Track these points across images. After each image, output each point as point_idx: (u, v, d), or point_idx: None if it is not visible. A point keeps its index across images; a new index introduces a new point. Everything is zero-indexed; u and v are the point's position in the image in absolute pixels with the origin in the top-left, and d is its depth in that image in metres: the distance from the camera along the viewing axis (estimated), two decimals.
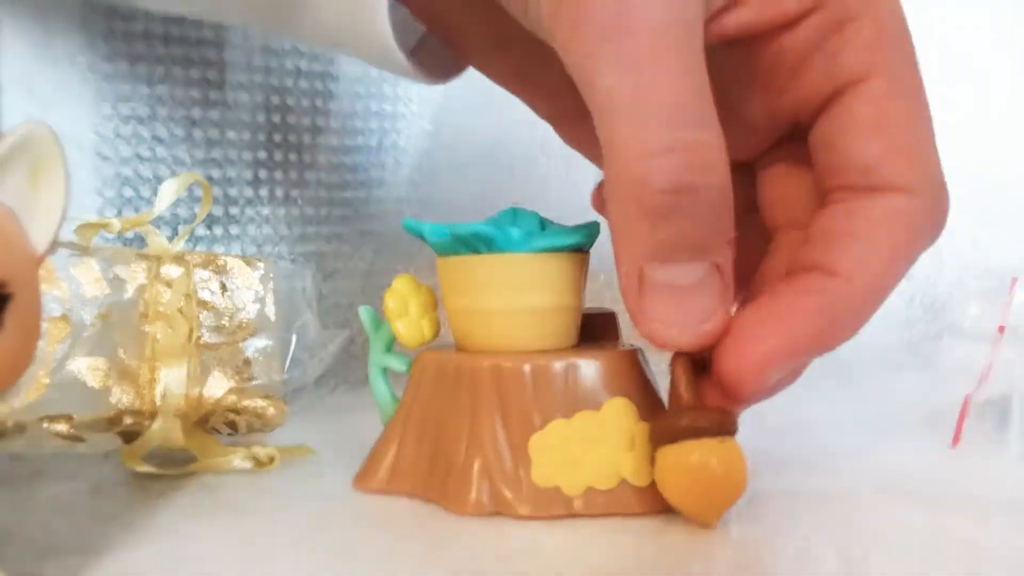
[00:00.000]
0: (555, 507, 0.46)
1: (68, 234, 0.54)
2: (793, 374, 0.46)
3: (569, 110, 0.54)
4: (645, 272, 0.41)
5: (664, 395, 0.51)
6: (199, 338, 0.57)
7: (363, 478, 0.52)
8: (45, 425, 0.53)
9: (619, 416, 0.47)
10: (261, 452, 0.55)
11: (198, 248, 0.86)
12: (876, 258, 0.42)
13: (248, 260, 0.61)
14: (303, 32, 0.59)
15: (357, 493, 0.51)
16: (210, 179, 0.86)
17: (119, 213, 0.81)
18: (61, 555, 0.42)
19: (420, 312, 0.53)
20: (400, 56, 0.53)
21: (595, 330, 0.55)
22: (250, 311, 0.59)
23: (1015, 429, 0.57)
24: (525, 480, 0.46)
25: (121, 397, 0.54)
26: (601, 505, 0.46)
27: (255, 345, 0.59)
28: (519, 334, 0.50)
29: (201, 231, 0.86)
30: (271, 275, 0.62)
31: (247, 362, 0.59)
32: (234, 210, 0.88)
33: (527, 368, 0.47)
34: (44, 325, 0.50)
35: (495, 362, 0.48)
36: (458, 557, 0.41)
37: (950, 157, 0.86)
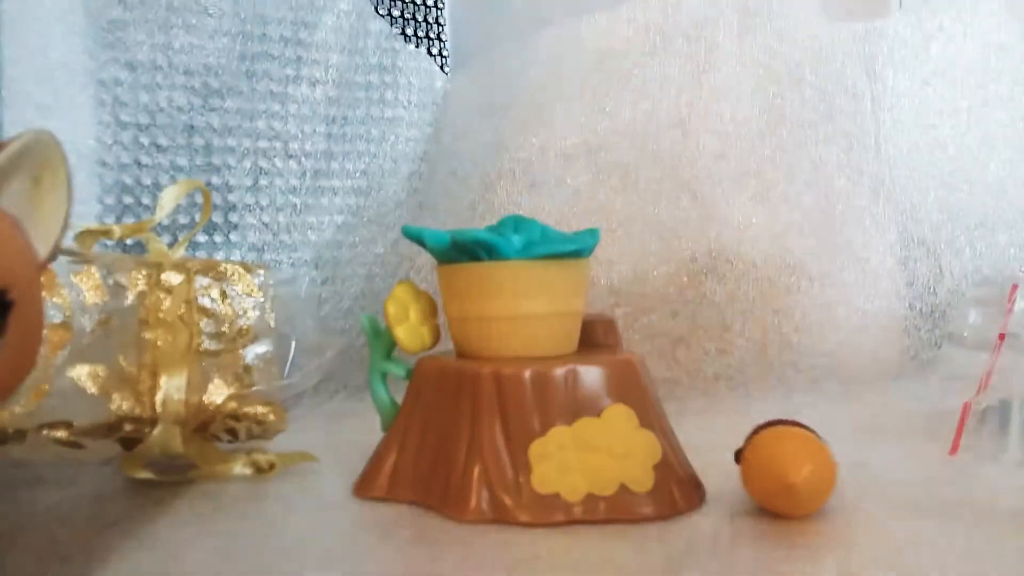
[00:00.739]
0: (555, 513, 0.45)
1: (68, 241, 0.54)
2: None
3: None
4: None
5: (664, 402, 0.51)
6: (199, 345, 0.56)
7: (363, 485, 0.52)
8: (45, 432, 0.52)
9: (619, 422, 0.47)
10: (262, 459, 0.55)
11: (198, 255, 0.86)
12: None
13: (248, 266, 0.61)
14: None
15: (357, 500, 0.51)
16: (210, 185, 0.86)
17: (119, 220, 0.81)
18: (62, 561, 0.42)
19: (420, 318, 0.53)
20: None
21: (595, 336, 0.55)
22: (250, 317, 0.59)
23: (1014, 436, 0.57)
24: (525, 486, 0.46)
25: (121, 404, 0.54)
26: (601, 511, 0.45)
27: (255, 351, 0.59)
28: (520, 340, 0.50)
29: (201, 237, 0.86)
30: (271, 281, 0.62)
31: (247, 368, 0.59)
32: (234, 216, 0.88)
33: (527, 374, 0.47)
34: (44, 332, 0.50)
35: (495, 368, 0.48)
36: (459, 565, 0.41)
37: (950, 165, 0.87)
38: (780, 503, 0.44)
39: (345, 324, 0.90)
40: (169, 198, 0.60)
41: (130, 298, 0.56)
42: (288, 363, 0.64)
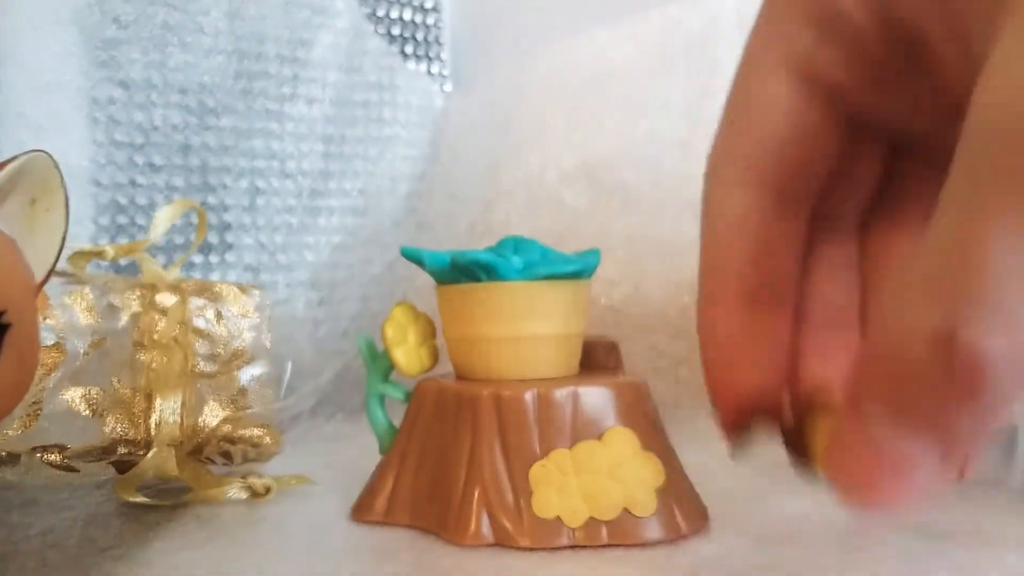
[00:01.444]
0: (556, 538, 0.45)
1: (61, 262, 0.54)
2: None
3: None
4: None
5: (666, 424, 0.51)
6: (194, 366, 0.56)
7: (361, 508, 0.51)
8: (38, 455, 0.52)
9: (621, 446, 0.46)
10: (257, 482, 0.55)
11: (193, 275, 0.85)
12: None
13: (243, 287, 0.60)
14: None
15: (355, 524, 0.50)
16: (205, 205, 0.86)
17: (113, 240, 0.81)
18: None
19: (419, 340, 0.53)
20: None
21: (597, 358, 0.54)
22: (245, 339, 0.59)
23: (1020, 462, 0.56)
24: (526, 510, 0.45)
25: (115, 426, 0.53)
26: (603, 536, 0.45)
27: (250, 373, 0.59)
28: (520, 362, 0.49)
29: (196, 258, 0.86)
30: (267, 302, 0.61)
31: (242, 391, 0.58)
32: (229, 236, 0.88)
33: (528, 396, 0.47)
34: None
35: (495, 390, 0.47)
36: None
37: None
38: None
39: (342, 345, 0.90)
40: (164, 218, 0.59)
41: (124, 319, 0.55)
42: (284, 385, 0.63)
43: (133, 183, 0.82)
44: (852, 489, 0.35)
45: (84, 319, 0.53)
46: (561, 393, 0.47)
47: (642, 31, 0.93)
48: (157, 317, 0.55)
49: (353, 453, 0.63)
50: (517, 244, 0.50)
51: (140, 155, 0.83)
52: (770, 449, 0.62)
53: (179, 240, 0.84)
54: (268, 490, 0.55)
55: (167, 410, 0.54)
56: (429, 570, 0.43)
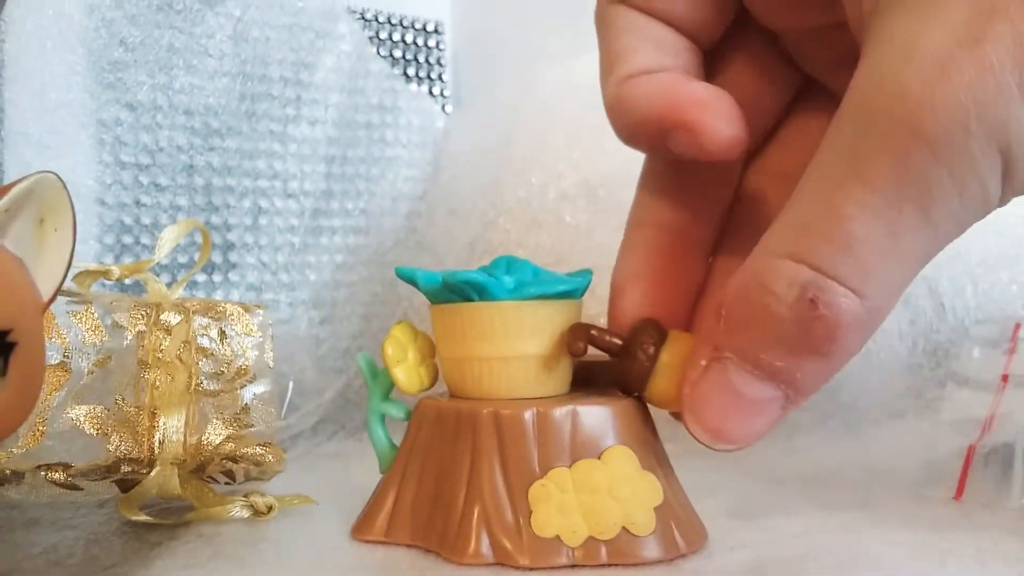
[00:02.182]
0: (555, 557, 0.45)
1: (67, 282, 0.54)
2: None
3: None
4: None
5: (665, 442, 0.51)
6: (198, 385, 0.56)
7: (361, 527, 0.51)
8: (43, 473, 0.52)
9: (620, 464, 0.46)
10: (260, 501, 0.55)
11: (197, 294, 0.86)
12: None
13: (247, 306, 0.61)
14: None
15: (355, 542, 0.51)
16: (209, 225, 0.87)
17: (118, 259, 0.82)
18: None
19: (418, 359, 0.53)
20: None
21: (594, 377, 0.54)
22: (249, 357, 0.59)
23: (1018, 481, 0.57)
24: (525, 529, 0.45)
25: (120, 445, 0.53)
26: (602, 555, 0.45)
27: (253, 391, 0.59)
28: (511, 381, 0.50)
29: (200, 277, 0.86)
30: (270, 321, 0.61)
31: (245, 409, 0.58)
32: (233, 256, 0.88)
33: (528, 415, 0.47)
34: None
35: (495, 409, 0.48)
36: None
37: None
38: None
39: (343, 364, 0.90)
40: (168, 238, 0.60)
41: (128, 338, 0.56)
42: (286, 404, 0.63)
43: (138, 203, 0.83)
44: (706, 429, 0.38)
45: (89, 338, 0.54)
46: (560, 412, 0.47)
47: None
48: (161, 336, 0.56)
49: (354, 472, 0.63)
50: (509, 264, 0.51)
51: (145, 175, 0.83)
52: (767, 474, 0.63)
53: (183, 259, 0.85)
54: (270, 509, 0.55)
55: (171, 428, 0.54)
56: None
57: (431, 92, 1.10)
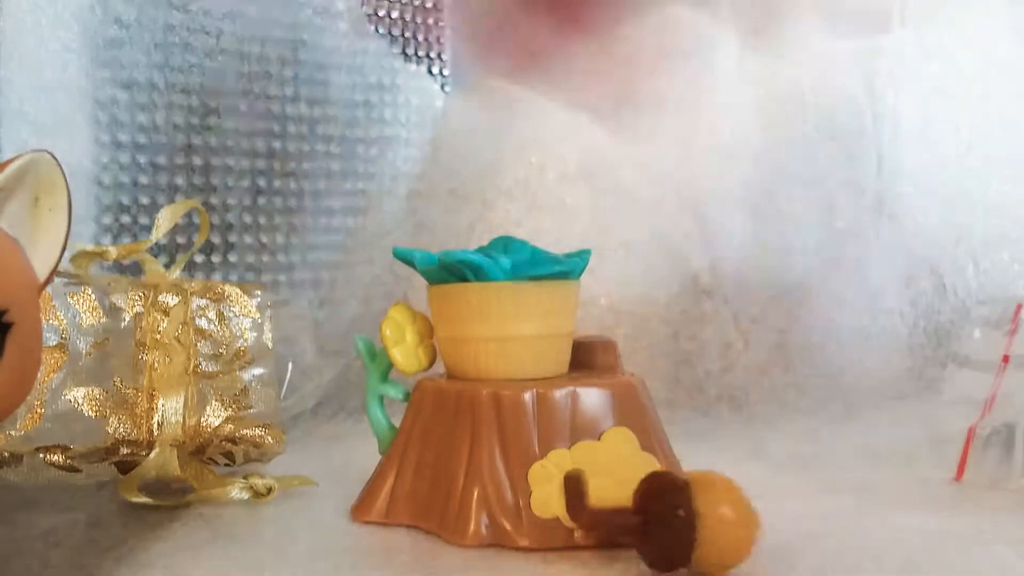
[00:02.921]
0: (555, 538, 0.45)
1: (64, 263, 0.54)
2: None
3: None
4: None
5: (664, 424, 0.51)
6: (197, 366, 0.56)
7: (361, 508, 0.51)
8: (41, 455, 0.52)
9: (620, 445, 0.46)
10: (260, 483, 0.55)
11: (195, 275, 0.85)
12: None
13: (246, 287, 0.60)
14: None
15: (355, 524, 0.51)
16: (207, 205, 0.86)
17: (116, 239, 0.81)
18: None
19: (416, 340, 0.53)
20: None
21: (595, 358, 0.54)
22: (247, 339, 0.59)
23: (1018, 461, 0.57)
24: (525, 510, 0.45)
25: (118, 427, 0.53)
26: (601, 535, 0.45)
27: (252, 373, 0.59)
28: (508, 362, 0.49)
29: (198, 258, 0.86)
30: (268, 302, 0.61)
31: (244, 390, 0.58)
32: (232, 237, 0.88)
33: (527, 396, 0.47)
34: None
35: (495, 390, 0.47)
36: None
37: (952, 183, 0.87)
38: None
39: (343, 346, 0.90)
40: (166, 218, 0.60)
41: (127, 320, 0.55)
42: (285, 385, 0.63)
43: (135, 183, 0.83)
44: None
45: (87, 319, 0.54)
46: (560, 393, 0.47)
47: (640, 33, 0.93)
48: (159, 317, 0.55)
49: (353, 453, 0.63)
50: (507, 244, 0.51)
51: (143, 155, 0.83)
52: (770, 458, 0.63)
53: (181, 240, 0.84)
54: (271, 491, 0.55)
55: (170, 410, 0.54)
56: (429, 570, 0.43)
57: (430, 71, 1.09)
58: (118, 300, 0.55)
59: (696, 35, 0.91)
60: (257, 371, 0.59)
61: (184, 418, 0.54)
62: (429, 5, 1.08)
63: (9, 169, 0.35)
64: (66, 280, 0.55)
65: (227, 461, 0.59)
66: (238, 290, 0.60)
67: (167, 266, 0.61)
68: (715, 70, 0.89)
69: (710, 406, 0.79)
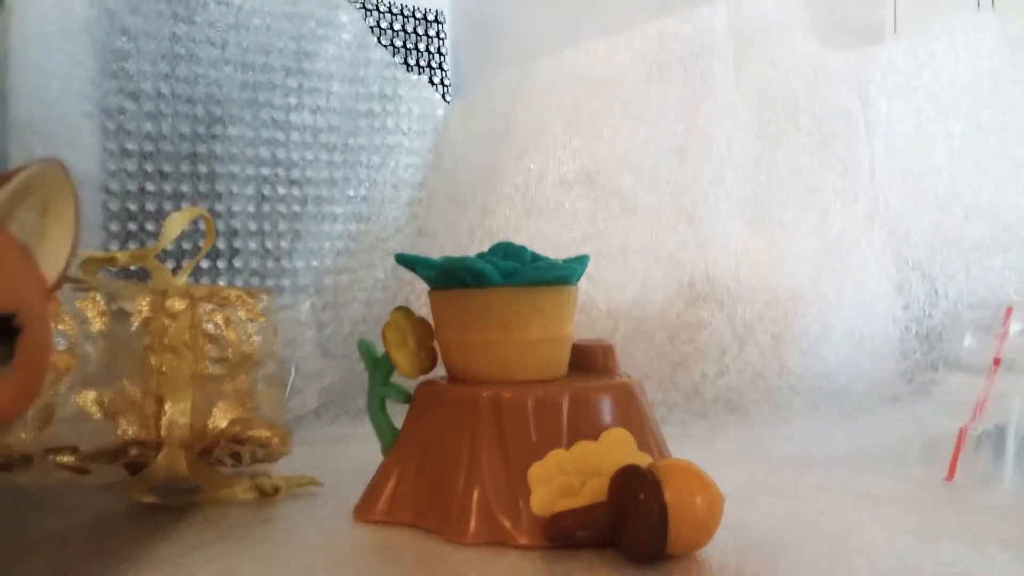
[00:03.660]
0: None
1: (72, 269, 0.55)
2: None
3: None
4: None
5: (662, 426, 0.52)
6: (204, 369, 0.57)
7: (363, 508, 0.52)
8: (51, 457, 0.53)
9: (618, 446, 0.47)
10: (266, 483, 0.55)
11: (201, 281, 0.86)
12: None
13: (251, 292, 0.61)
14: None
15: (358, 523, 0.51)
16: (212, 212, 0.87)
17: (123, 246, 0.82)
18: None
19: (418, 343, 0.54)
20: None
21: (594, 361, 0.55)
22: (253, 342, 0.60)
23: (1009, 462, 0.57)
24: (524, 510, 0.46)
25: (127, 429, 0.54)
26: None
27: (258, 376, 0.60)
28: (508, 365, 0.50)
29: (204, 264, 0.87)
30: (273, 307, 0.62)
31: (251, 393, 0.59)
32: (236, 242, 0.89)
33: (527, 398, 0.48)
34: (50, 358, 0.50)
35: (495, 392, 0.48)
36: None
37: (944, 190, 0.87)
38: None
39: (345, 349, 0.91)
40: (173, 225, 0.60)
41: (135, 324, 0.56)
42: (289, 387, 0.64)
43: (143, 190, 0.84)
44: None
45: (96, 324, 0.54)
46: (559, 395, 0.48)
47: (639, 42, 0.94)
48: (167, 321, 0.56)
49: (356, 454, 0.64)
50: (507, 250, 0.52)
51: (149, 163, 0.84)
52: (763, 458, 0.63)
53: (187, 246, 0.85)
54: (277, 491, 0.56)
55: (177, 412, 0.55)
56: (430, 569, 0.44)
57: (432, 81, 1.10)
58: (126, 305, 0.56)
59: (692, 44, 0.91)
60: (263, 374, 0.60)
61: (191, 420, 0.55)
62: (431, 17, 1.10)
63: (19, 177, 0.36)
64: (75, 286, 0.55)
65: (234, 462, 0.60)
66: (244, 295, 0.60)
67: (174, 272, 0.62)
68: (710, 79, 0.89)
69: (706, 408, 0.80)
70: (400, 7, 1.08)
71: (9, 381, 0.34)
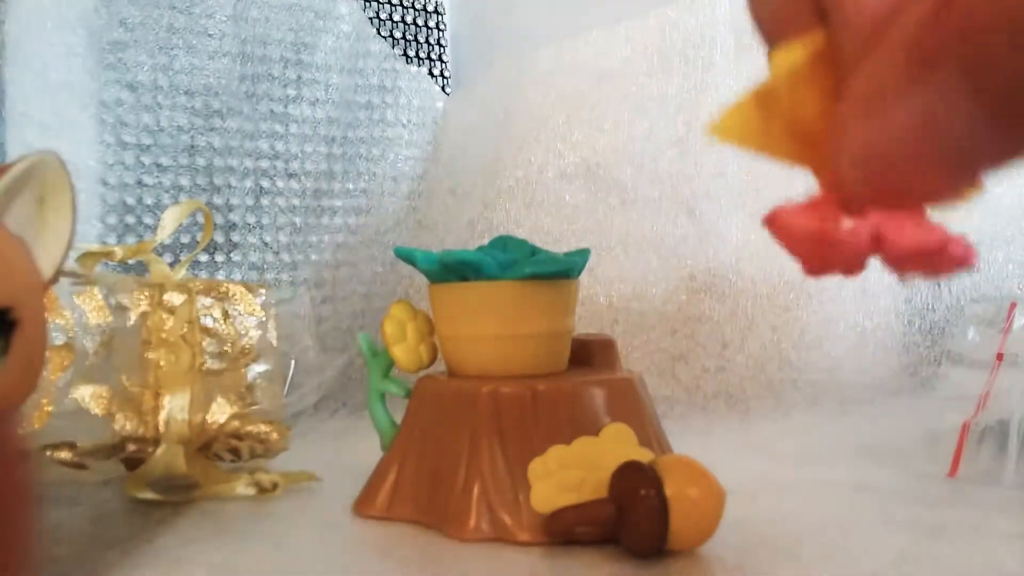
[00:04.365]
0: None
1: (70, 263, 0.55)
2: None
3: None
4: None
5: (662, 420, 0.52)
6: (202, 364, 0.57)
7: (363, 503, 0.52)
8: (48, 453, 0.53)
9: (618, 441, 0.47)
10: (265, 478, 0.55)
11: (199, 274, 0.86)
12: None
13: (250, 286, 0.61)
14: None
15: (357, 518, 0.51)
16: (211, 205, 0.87)
17: (120, 239, 0.82)
18: None
19: (417, 338, 0.54)
20: None
21: (594, 355, 0.55)
22: (252, 337, 0.60)
23: (1012, 457, 0.57)
24: (524, 505, 0.46)
25: (125, 424, 0.54)
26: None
27: (256, 370, 0.60)
28: (508, 360, 0.50)
29: (202, 257, 0.87)
30: (272, 301, 0.62)
31: (249, 388, 0.59)
32: (235, 236, 0.89)
33: (526, 393, 0.48)
34: (47, 353, 0.50)
35: (494, 387, 0.48)
36: None
37: None
38: None
39: (344, 343, 0.91)
40: (171, 219, 0.60)
41: (132, 319, 0.56)
42: (288, 382, 0.64)
43: (140, 183, 0.83)
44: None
45: (93, 318, 0.54)
46: (559, 390, 0.48)
47: (639, 33, 0.93)
48: (165, 316, 0.56)
49: (356, 449, 0.64)
50: (507, 243, 0.51)
51: (147, 156, 0.84)
52: (766, 453, 0.63)
53: (185, 240, 0.85)
54: (276, 486, 0.56)
55: (176, 407, 0.54)
56: (430, 564, 0.43)
57: (431, 73, 1.10)
58: (124, 299, 0.56)
59: (693, 35, 0.91)
60: (261, 368, 0.60)
61: (190, 415, 0.55)
62: (431, 8, 1.09)
63: (15, 170, 0.35)
64: (72, 280, 0.55)
65: (233, 457, 0.60)
66: (242, 289, 0.60)
67: (172, 265, 0.62)
68: (711, 70, 0.89)
69: (707, 402, 0.80)
70: None
71: (5, 376, 0.34)
